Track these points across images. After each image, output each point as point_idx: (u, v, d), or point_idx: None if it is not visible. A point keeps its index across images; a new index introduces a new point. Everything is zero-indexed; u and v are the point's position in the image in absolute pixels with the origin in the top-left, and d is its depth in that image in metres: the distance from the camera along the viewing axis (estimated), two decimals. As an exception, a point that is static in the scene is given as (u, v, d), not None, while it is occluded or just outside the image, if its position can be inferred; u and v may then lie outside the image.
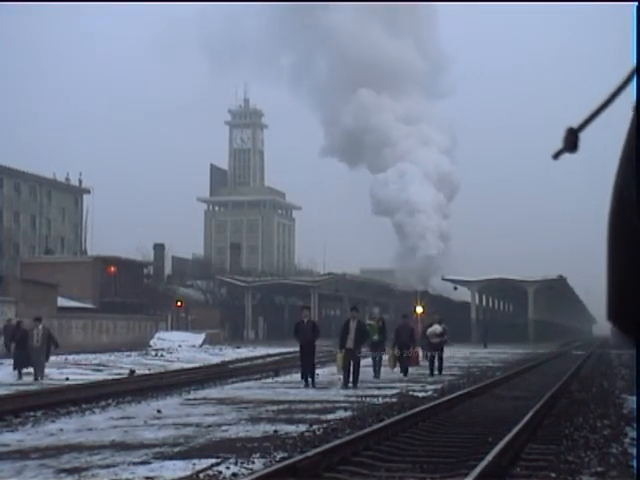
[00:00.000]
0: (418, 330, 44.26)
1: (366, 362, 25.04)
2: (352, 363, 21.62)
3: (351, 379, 21.60)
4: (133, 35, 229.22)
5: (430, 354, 28.03)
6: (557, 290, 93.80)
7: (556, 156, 1.45)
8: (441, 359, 27.86)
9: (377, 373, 25.58)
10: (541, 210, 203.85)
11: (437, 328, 27.90)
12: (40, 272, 59.44)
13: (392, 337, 27.77)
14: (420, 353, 31.50)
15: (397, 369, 26.98)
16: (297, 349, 24.05)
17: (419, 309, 64.41)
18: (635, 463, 9.75)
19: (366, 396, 19.01)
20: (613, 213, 1.42)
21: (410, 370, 27.07)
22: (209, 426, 13.62)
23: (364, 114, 75.66)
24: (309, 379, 21.91)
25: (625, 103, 1.47)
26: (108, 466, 9.90)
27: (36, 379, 24.90)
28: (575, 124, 1.43)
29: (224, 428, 13.35)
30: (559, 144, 1.44)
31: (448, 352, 48.10)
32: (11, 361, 27.48)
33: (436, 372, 27.09)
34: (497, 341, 70.02)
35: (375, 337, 25.41)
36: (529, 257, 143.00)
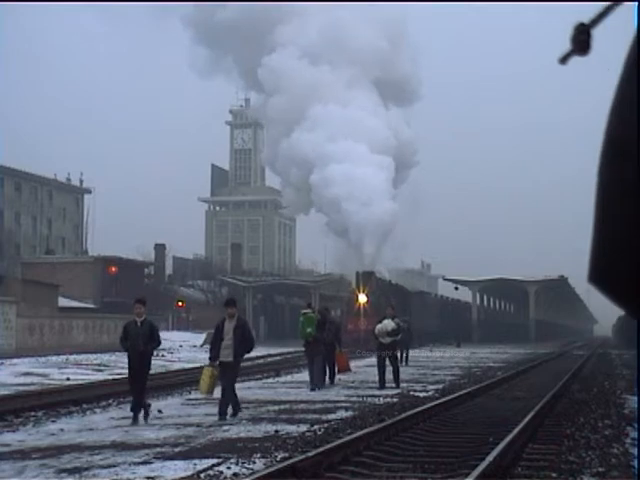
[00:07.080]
0: (362, 328, 39.50)
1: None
2: (225, 383, 14.83)
3: (231, 409, 14.73)
4: (133, 35, 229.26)
5: (379, 358, 21.85)
6: (558, 290, 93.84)
7: (564, 59, 1.22)
8: (396, 364, 22.11)
9: (318, 383, 21.16)
10: (542, 210, 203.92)
11: (389, 324, 21.73)
12: (41, 272, 59.54)
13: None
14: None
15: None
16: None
17: (362, 298, 49.71)
18: (636, 463, 9.74)
19: (367, 396, 19.02)
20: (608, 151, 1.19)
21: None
22: (210, 426, 13.62)
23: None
24: (139, 412, 14.35)
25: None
26: (109, 466, 9.90)
27: None
28: (586, 20, 1.18)
29: (225, 428, 13.35)
30: (567, 45, 1.19)
31: (449, 352, 48.32)
32: None
33: (392, 384, 21.32)
34: (497, 341, 69.95)
35: (309, 330, 21.36)
36: (530, 257, 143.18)
